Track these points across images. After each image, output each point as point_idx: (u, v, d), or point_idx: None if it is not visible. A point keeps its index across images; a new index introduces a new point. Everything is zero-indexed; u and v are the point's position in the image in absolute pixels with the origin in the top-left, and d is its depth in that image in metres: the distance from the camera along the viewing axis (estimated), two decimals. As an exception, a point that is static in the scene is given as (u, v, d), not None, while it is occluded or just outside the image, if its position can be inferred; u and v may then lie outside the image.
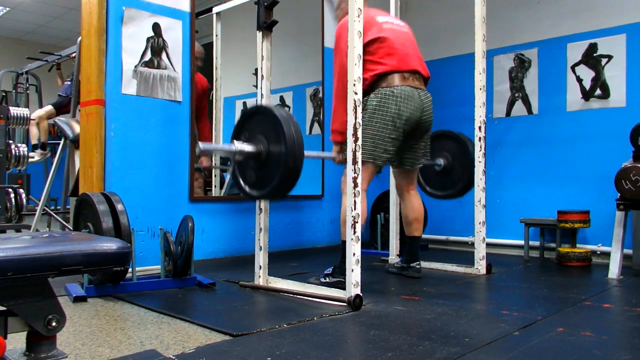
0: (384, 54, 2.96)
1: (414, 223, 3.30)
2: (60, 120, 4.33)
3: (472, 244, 3.53)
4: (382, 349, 1.82)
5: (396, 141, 2.97)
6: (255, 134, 2.52)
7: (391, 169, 3.41)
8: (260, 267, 2.91)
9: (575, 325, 2.15)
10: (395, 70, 2.96)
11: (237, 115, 5.45)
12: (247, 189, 2.59)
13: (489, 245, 3.61)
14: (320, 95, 4.85)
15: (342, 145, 2.89)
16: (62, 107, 5.74)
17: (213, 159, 4.75)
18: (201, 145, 2.42)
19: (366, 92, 2.93)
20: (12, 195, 4.66)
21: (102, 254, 1.24)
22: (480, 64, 3.46)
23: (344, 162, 2.78)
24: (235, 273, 3.32)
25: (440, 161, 3.71)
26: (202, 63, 4.38)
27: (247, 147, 2.49)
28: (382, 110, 2.90)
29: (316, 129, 4.99)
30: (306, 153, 2.43)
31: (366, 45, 2.89)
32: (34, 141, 5.78)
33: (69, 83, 6.09)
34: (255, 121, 2.56)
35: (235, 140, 2.52)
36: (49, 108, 5.78)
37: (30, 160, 5.50)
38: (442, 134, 3.76)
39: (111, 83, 3.37)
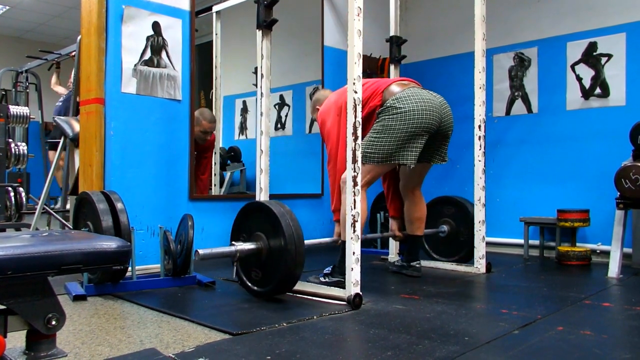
0: (374, 85, 3.02)
1: (417, 222, 3.30)
2: (60, 118, 4.33)
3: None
4: (382, 348, 1.82)
5: (424, 137, 2.92)
6: (254, 232, 2.59)
7: (401, 169, 3.35)
8: (260, 266, 2.91)
9: (575, 324, 2.15)
10: (391, 83, 3.02)
11: (237, 113, 5.45)
12: (251, 287, 2.65)
13: (488, 244, 3.61)
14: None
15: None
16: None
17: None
18: (200, 252, 2.44)
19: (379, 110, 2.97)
20: (12, 193, 4.65)
21: (101, 253, 1.24)
22: (480, 62, 3.46)
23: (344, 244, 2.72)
24: (235, 272, 3.32)
25: (444, 227, 3.74)
26: (212, 125, 4.45)
27: (247, 246, 2.56)
28: (398, 111, 2.86)
29: (316, 128, 4.98)
30: (306, 243, 2.51)
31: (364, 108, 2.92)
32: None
33: (59, 104, 6.16)
34: (251, 219, 2.63)
35: (234, 242, 2.58)
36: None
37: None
38: (440, 200, 3.81)
39: (111, 82, 3.37)
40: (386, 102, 2.91)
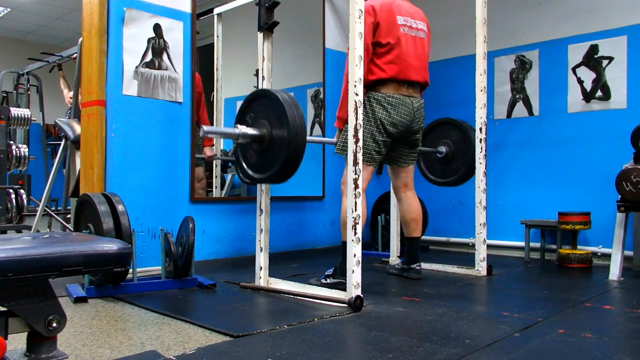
0: (388, 60, 3.00)
1: (411, 224, 3.30)
2: (61, 120, 4.34)
3: (473, 246, 3.53)
4: (383, 350, 1.82)
5: (385, 144, 3.05)
6: (259, 118, 2.54)
7: (389, 169, 3.41)
8: (261, 268, 2.91)
9: (575, 327, 2.15)
10: (392, 79, 3.02)
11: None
12: (249, 172, 2.62)
13: (489, 246, 3.61)
14: (321, 96, 4.85)
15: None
16: None
17: (215, 149, 4.74)
18: (205, 128, 2.42)
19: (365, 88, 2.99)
20: (13, 195, 4.66)
21: (102, 255, 1.24)
22: (481, 65, 3.46)
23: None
24: (236, 274, 3.32)
25: (442, 149, 3.72)
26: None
27: (251, 131, 2.51)
28: (374, 116, 2.99)
29: (317, 131, 4.99)
30: (308, 138, 2.47)
31: (376, 44, 2.98)
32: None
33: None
34: (259, 105, 2.58)
35: (238, 124, 2.54)
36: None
37: None
38: (443, 122, 3.78)
39: (112, 84, 3.37)
40: (370, 92, 3.01)
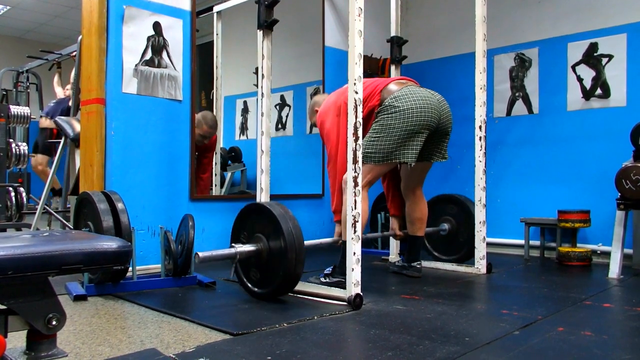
0: (372, 84, 3.02)
1: (418, 223, 3.30)
2: (61, 119, 4.33)
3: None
4: (383, 348, 1.82)
5: (423, 136, 2.93)
6: (254, 232, 2.59)
7: (402, 169, 3.36)
8: (261, 266, 2.91)
9: (575, 325, 2.15)
10: (389, 82, 3.03)
11: (238, 114, 5.45)
12: (251, 287, 2.65)
13: (489, 244, 3.61)
14: (321, 94, 4.84)
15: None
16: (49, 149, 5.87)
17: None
18: (200, 255, 2.43)
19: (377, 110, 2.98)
20: (13, 193, 4.66)
21: (102, 253, 1.24)
22: (480, 63, 3.46)
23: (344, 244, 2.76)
24: (236, 272, 3.32)
25: (445, 226, 3.74)
26: (213, 130, 4.43)
27: (247, 248, 2.55)
28: (396, 110, 2.88)
29: (316, 129, 4.98)
30: (306, 244, 2.51)
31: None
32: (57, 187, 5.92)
33: (52, 105, 6.20)
34: (251, 220, 2.63)
35: (234, 244, 2.57)
36: (39, 158, 5.98)
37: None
38: (443, 198, 3.81)
39: (112, 82, 3.37)
40: (385, 101, 2.92)
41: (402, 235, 3.42)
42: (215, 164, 4.76)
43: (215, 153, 4.74)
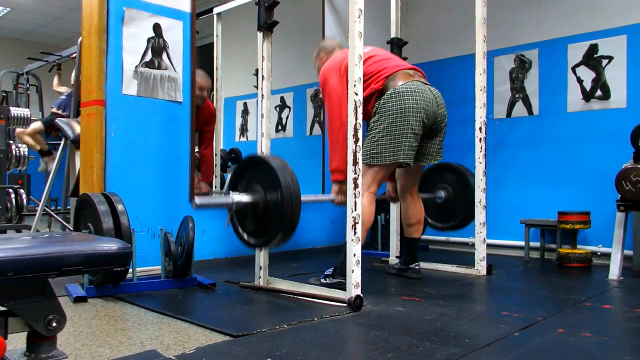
0: (379, 63, 2.99)
1: (415, 225, 3.30)
2: (61, 120, 4.34)
3: (473, 245, 3.53)
4: (383, 350, 1.82)
5: (418, 135, 2.92)
6: (252, 184, 2.56)
7: (397, 171, 3.37)
8: (261, 267, 2.91)
9: (575, 326, 2.15)
10: (397, 70, 2.97)
11: (238, 115, 5.45)
12: (246, 237, 2.63)
13: (489, 246, 3.61)
14: (321, 95, 4.85)
15: (342, 185, 2.76)
16: (52, 127, 5.70)
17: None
18: (197, 200, 2.43)
19: (378, 99, 2.95)
20: (13, 195, 4.66)
21: (102, 255, 1.24)
22: (480, 64, 3.46)
23: (343, 203, 2.77)
24: (236, 273, 3.32)
25: (441, 193, 3.72)
26: (208, 93, 4.39)
27: (244, 198, 2.53)
28: (401, 107, 2.86)
29: (316, 130, 4.99)
30: (303, 198, 2.47)
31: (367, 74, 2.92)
32: (36, 149, 5.77)
33: (64, 98, 6.12)
34: (251, 171, 2.60)
35: (232, 192, 2.55)
36: (38, 125, 5.76)
37: (41, 169, 5.58)
38: (441, 166, 3.78)
39: (112, 83, 3.37)
40: (387, 92, 2.91)
41: (395, 197, 3.46)
42: (216, 165, 4.77)
43: (216, 154, 4.74)
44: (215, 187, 4.79)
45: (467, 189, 3.55)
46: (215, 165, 4.76)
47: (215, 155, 4.74)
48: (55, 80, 6.84)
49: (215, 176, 4.78)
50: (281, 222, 2.41)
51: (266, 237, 2.52)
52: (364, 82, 2.73)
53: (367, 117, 2.92)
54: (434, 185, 3.74)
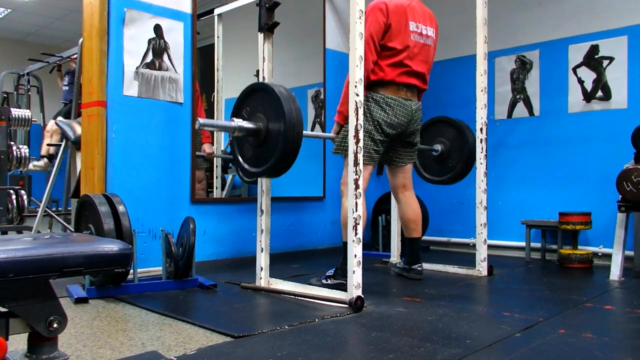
0: (390, 63, 3.00)
1: (410, 224, 3.30)
2: (62, 121, 4.34)
3: (474, 246, 3.53)
4: (384, 351, 1.81)
5: (382, 143, 3.05)
6: (255, 112, 2.53)
7: (386, 170, 3.42)
8: (262, 268, 2.91)
9: (576, 327, 2.15)
10: (393, 82, 3.02)
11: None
12: (245, 165, 2.61)
13: (490, 246, 3.61)
14: (322, 96, 4.85)
15: (342, 128, 3.01)
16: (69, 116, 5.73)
17: (215, 146, 4.72)
18: (200, 120, 2.40)
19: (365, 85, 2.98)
20: (14, 196, 4.65)
21: (103, 256, 1.24)
22: (481, 65, 3.46)
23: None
24: (237, 274, 3.32)
25: (438, 147, 3.70)
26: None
27: (247, 124, 2.50)
28: (371, 115, 2.99)
29: (317, 131, 4.98)
30: (305, 133, 2.45)
31: (383, 46, 2.97)
32: (42, 152, 5.78)
33: (66, 89, 6.11)
34: (255, 99, 2.56)
35: (234, 118, 2.53)
36: (52, 126, 5.77)
37: (33, 167, 5.55)
38: (439, 120, 3.76)
39: (112, 84, 3.37)
40: (369, 92, 3.00)
41: None
42: (216, 166, 4.77)
43: (216, 157, 4.74)
44: (216, 188, 4.79)
45: (464, 142, 3.55)
46: (216, 166, 4.76)
47: (214, 152, 4.74)
48: (60, 82, 6.85)
49: (216, 177, 4.78)
50: (281, 153, 2.40)
51: (264, 166, 2.49)
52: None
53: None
54: (431, 139, 3.73)
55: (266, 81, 2.88)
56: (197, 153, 3.89)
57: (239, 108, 2.62)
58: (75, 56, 5.17)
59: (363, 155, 2.86)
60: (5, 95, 7.00)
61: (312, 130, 4.96)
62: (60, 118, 4.83)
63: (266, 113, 2.48)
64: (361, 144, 2.46)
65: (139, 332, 2.10)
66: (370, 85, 3.01)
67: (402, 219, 3.33)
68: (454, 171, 3.66)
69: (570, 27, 4.29)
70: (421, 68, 3.10)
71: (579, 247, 4.02)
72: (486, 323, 2.26)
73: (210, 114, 5.02)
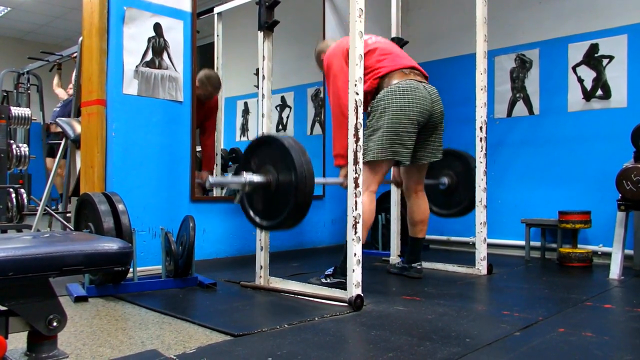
0: (378, 60, 2.99)
1: (419, 224, 3.29)
2: (62, 120, 4.33)
3: (473, 245, 3.53)
4: (383, 349, 1.82)
5: (412, 134, 2.93)
6: (264, 164, 2.51)
7: (400, 169, 3.39)
8: (261, 267, 2.91)
9: (576, 326, 2.15)
10: (393, 70, 2.98)
11: (239, 115, 5.45)
12: (256, 219, 2.58)
13: (490, 245, 3.61)
14: (322, 95, 4.85)
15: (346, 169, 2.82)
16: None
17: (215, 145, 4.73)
18: (211, 179, 2.40)
19: (372, 98, 2.96)
20: (14, 195, 4.65)
21: (103, 254, 1.24)
22: (481, 64, 3.46)
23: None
24: (237, 273, 3.32)
25: (444, 180, 3.71)
26: (216, 92, 4.40)
27: (257, 178, 2.48)
28: (392, 106, 2.87)
29: (317, 130, 4.98)
30: (316, 180, 2.42)
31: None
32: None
33: (57, 110, 6.12)
34: (263, 150, 2.55)
35: (244, 172, 2.49)
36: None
37: None
38: (445, 152, 3.76)
39: (112, 83, 3.37)
40: (380, 90, 2.93)
41: (400, 182, 3.45)
42: (216, 164, 4.77)
43: (217, 154, 4.74)
44: (216, 186, 4.79)
45: (470, 175, 3.54)
46: (216, 164, 4.76)
47: (216, 154, 4.74)
48: (56, 80, 6.85)
49: (216, 175, 4.78)
50: (294, 206, 2.36)
51: (277, 219, 2.46)
52: (366, 73, 2.82)
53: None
54: (437, 172, 3.72)
55: (268, 85, 2.88)
56: (197, 180, 3.87)
57: (247, 160, 2.61)
58: (75, 55, 5.17)
59: (393, 151, 2.86)
60: (5, 94, 7.00)
61: (312, 128, 4.96)
62: (61, 117, 4.83)
63: (276, 165, 2.46)
64: (361, 142, 2.46)
65: (138, 330, 2.10)
66: (377, 90, 2.96)
67: (411, 218, 3.31)
68: (462, 205, 3.65)
69: (570, 26, 4.29)
70: (404, 54, 3.13)
71: (579, 245, 4.02)
72: (486, 322, 2.26)
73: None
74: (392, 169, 3.48)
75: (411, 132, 2.92)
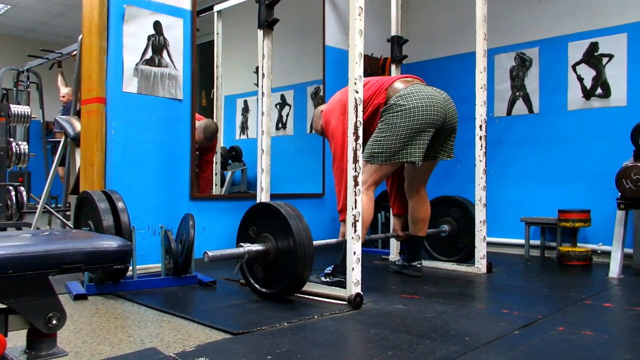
0: (376, 83, 3.00)
1: (420, 223, 3.29)
2: (61, 118, 4.33)
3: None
4: (383, 348, 1.82)
5: (429, 135, 2.90)
6: (262, 232, 2.58)
7: (406, 167, 3.36)
8: (261, 265, 2.91)
9: (575, 324, 2.15)
10: (396, 79, 3.01)
11: (238, 113, 5.45)
12: (256, 286, 2.63)
13: (489, 244, 3.61)
14: (321, 93, 4.85)
15: None
16: None
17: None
18: (210, 254, 2.42)
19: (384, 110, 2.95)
20: (13, 193, 4.65)
21: (102, 252, 1.24)
22: (481, 62, 3.46)
23: None
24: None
25: (445, 227, 3.73)
26: (207, 142, 4.43)
27: (256, 247, 2.53)
28: (405, 108, 2.84)
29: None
30: (315, 244, 2.49)
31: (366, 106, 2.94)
32: None
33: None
34: (261, 218, 2.61)
35: (242, 243, 2.54)
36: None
37: None
38: (442, 200, 3.80)
39: (112, 81, 3.37)
40: (390, 99, 2.90)
41: (404, 236, 3.40)
42: (216, 163, 4.76)
43: (216, 152, 4.74)
44: (215, 184, 4.79)
45: (470, 223, 3.55)
46: (216, 162, 4.76)
47: (216, 153, 4.73)
48: (60, 78, 6.85)
49: (216, 174, 4.77)
50: (294, 275, 2.43)
51: (278, 287, 2.53)
52: (366, 104, 2.87)
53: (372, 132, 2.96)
54: (437, 219, 3.75)
55: (267, 83, 2.89)
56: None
57: (245, 228, 2.66)
58: (74, 53, 5.16)
59: (394, 153, 2.85)
60: (5, 92, 7.00)
61: (311, 128, 4.95)
62: (60, 115, 4.83)
63: (274, 233, 2.52)
64: (360, 140, 2.46)
65: (138, 328, 2.10)
66: (387, 99, 2.92)
67: (413, 217, 3.30)
68: (465, 251, 3.66)
69: (569, 25, 4.29)
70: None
71: (578, 244, 4.02)
72: (485, 320, 2.26)
73: (209, 110, 5.01)
74: (393, 220, 3.46)
75: (429, 132, 2.89)
